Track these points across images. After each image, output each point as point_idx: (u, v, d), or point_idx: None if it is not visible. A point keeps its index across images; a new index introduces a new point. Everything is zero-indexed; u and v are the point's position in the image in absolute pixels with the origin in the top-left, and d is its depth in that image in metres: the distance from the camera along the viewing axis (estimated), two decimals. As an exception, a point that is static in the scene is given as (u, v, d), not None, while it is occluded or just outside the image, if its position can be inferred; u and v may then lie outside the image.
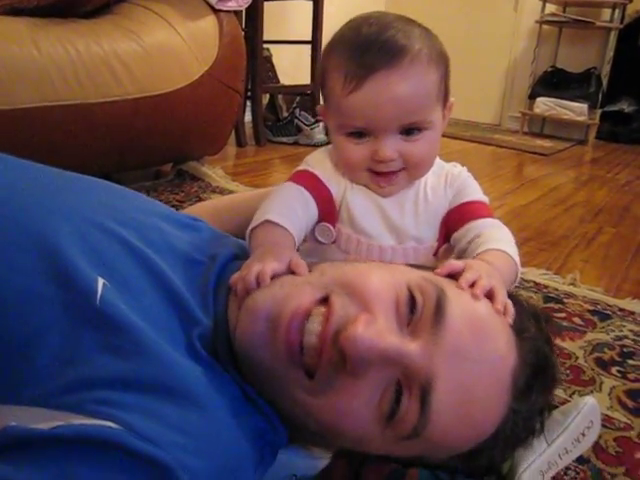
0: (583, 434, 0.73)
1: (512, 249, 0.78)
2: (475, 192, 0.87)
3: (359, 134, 0.79)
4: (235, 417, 0.57)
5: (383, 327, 0.56)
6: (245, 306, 0.62)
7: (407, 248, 0.85)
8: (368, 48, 0.73)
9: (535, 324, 0.65)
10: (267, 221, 0.77)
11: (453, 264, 0.66)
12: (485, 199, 0.88)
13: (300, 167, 0.89)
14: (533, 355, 0.61)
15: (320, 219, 0.86)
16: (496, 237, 0.79)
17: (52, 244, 0.59)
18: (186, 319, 0.62)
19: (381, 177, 0.81)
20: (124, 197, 0.79)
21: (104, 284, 0.57)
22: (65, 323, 0.54)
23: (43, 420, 0.49)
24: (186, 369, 0.56)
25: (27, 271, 0.57)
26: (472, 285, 0.61)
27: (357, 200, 0.85)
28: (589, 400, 0.75)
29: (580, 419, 0.73)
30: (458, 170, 0.88)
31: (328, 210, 0.86)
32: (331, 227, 0.87)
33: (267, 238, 0.76)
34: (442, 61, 0.79)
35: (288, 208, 0.81)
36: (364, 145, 0.79)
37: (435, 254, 0.87)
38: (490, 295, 0.62)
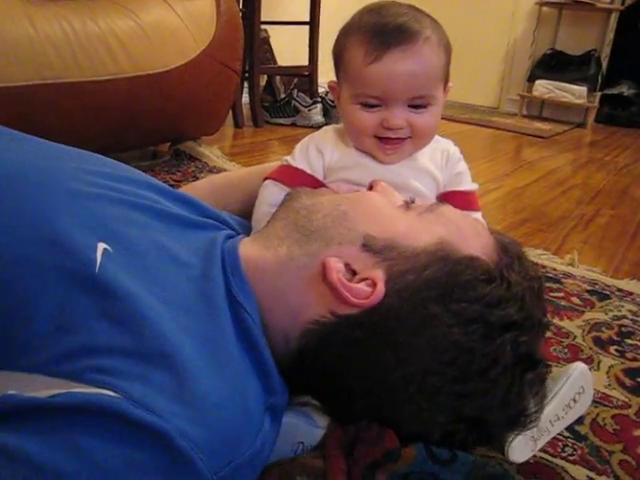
0: (574, 400, 0.74)
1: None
2: (468, 181, 0.97)
3: (372, 104, 0.87)
4: (236, 386, 0.57)
5: None
6: None
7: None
8: (386, 29, 0.84)
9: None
10: None
11: None
12: (475, 187, 0.98)
13: (283, 160, 0.97)
14: None
15: None
16: None
17: (47, 212, 0.59)
18: (194, 279, 0.63)
19: (388, 144, 0.89)
20: (121, 169, 0.80)
21: (105, 250, 0.57)
22: (61, 290, 0.54)
23: (41, 387, 0.49)
24: (184, 338, 0.55)
25: (22, 238, 0.57)
26: None
27: (357, 166, 0.92)
28: (579, 366, 0.75)
29: (570, 385, 0.73)
30: (453, 149, 0.97)
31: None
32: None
33: None
34: (447, 49, 0.89)
35: None
36: (375, 114, 0.87)
37: None
38: None
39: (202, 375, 0.54)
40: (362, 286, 0.64)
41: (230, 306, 0.63)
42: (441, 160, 0.95)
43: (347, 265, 0.66)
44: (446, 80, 0.91)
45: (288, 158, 0.96)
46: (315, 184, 0.91)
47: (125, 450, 0.47)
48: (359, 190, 0.86)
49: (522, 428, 0.67)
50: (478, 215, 0.94)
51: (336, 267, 0.65)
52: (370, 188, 0.80)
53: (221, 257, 0.68)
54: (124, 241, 0.61)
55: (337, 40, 0.91)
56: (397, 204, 0.74)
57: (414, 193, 0.90)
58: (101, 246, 0.57)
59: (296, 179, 0.91)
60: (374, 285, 0.63)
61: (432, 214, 0.71)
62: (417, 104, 0.87)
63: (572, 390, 0.73)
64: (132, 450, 0.47)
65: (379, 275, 0.64)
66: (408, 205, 0.74)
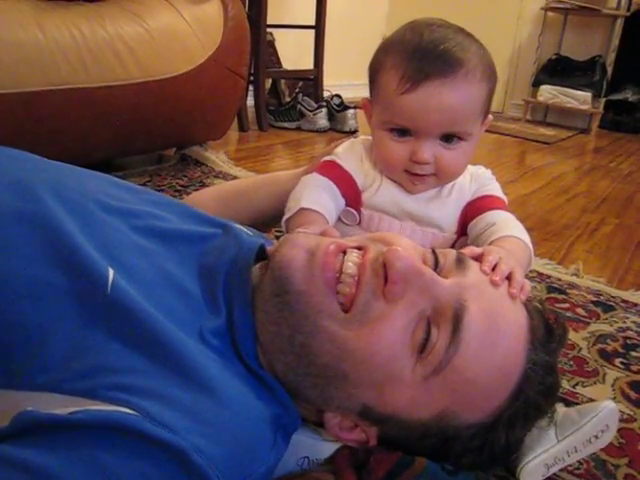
0: (596, 436, 0.73)
1: (525, 236, 0.84)
2: (495, 189, 0.92)
3: (401, 132, 0.83)
4: (249, 402, 0.57)
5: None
6: (285, 239, 0.66)
7: (427, 231, 0.90)
8: (427, 54, 0.77)
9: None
10: (302, 209, 0.84)
11: (472, 248, 0.71)
12: (504, 197, 0.93)
13: (327, 157, 0.94)
14: (543, 324, 0.66)
15: (346, 204, 0.92)
16: (510, 225, 0.85)
17: (60, 233, 0.59)
18: (196, 311, 0.63)
19: (415, 176, 0.86)
20: (128, 190, 0.79)
21: (114, 274, 0.58)
22: (76, 311, 0.55)
23: (58, 406, 0.50)
24: (199, 355, 0.56)
25: (34, 260, 0.57)
26: (492, 269, 0.65)
27: (381, 191, 0.90)
28: (609, 404, 0.74)
29: (596, 422, 0.72)
30: (483, 170, 0.95)
31: (353, 197, 0.91)
32: (355, 212, 0.92)
33: (303, 221, 0.81)
34: (492, 79, 0.83)
35: (318, 195, 0.86)
36: (404, 144, 0.83)
37: (452, 246, 0.91)
38: (508, 278, 0.66)
39: (217, 392, 0.54)
40: (357, 434, 0.66)
41: (229, 334, 0.63)
42: (470, 181, 0.93)
43: (344, 417, 0.66)
44: (486, 113, 0.86)
45: (335, 158, 0.93)
46: (357, 195, 0.91)
47: (143, 467, 0.47)
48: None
49: None
50: (504, 213, 0.89)
51: (333, 422, 0.66)
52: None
53: (224, 287, 0.67)
54: (129, 270, 0.61)
55: (375, 56, 0.85)
56: (409, 327, 0.60)
57: (434, 226, 0.90)
58: (111, 270, 0.58)
59: (344, 182, 0.90)
60: (368, 437, 0.66)
61: (440, 377, 0.59)
62: (450, 137, 0.82)
63: (597, 427, 0.72)
64: (149, 467, 0.48)
65: (373, 433, 0.66)
66: (424, 346, 0.59)
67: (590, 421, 0.72)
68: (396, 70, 0.79)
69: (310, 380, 0.62)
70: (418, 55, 0.77)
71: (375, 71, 0.85)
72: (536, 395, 0.63)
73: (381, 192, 0.90)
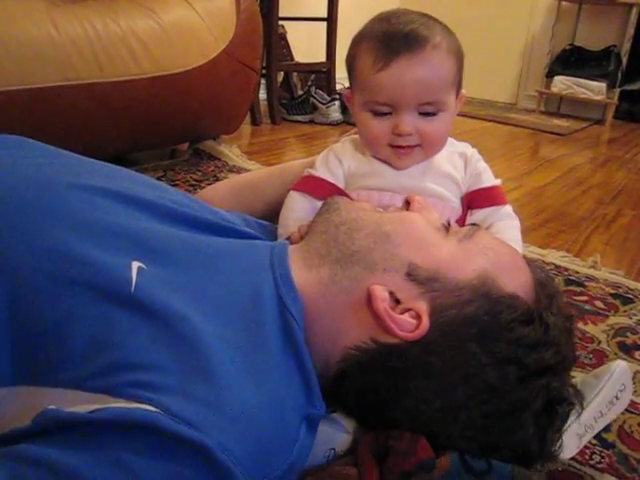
0: (617, 397, 0.76)
1: (517, 243, 0.90)
2: (490, 178, 0.97)
3: (382, 113, 0.89)
4: (274, 397, 0.57)
5: None
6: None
7: (428, 200, 0.90)
8: (395, 35, 0.85)
9: None
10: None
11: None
12: (498, 182, 0.98)
13: (304, 172, 0.99)
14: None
15: None
16: (503, 230, 0.91)
17: (71, 242, 0.59)
18: (239, 288, 0.64)
19: (401, 149, 0.91)
20: (153, 186, 0.80)
21: (140, 268, 0.58)
22: (98, 308, 0.55)
23: (81, 403, 0.49)
24: (223, 351, 0.56)
25: (56, 255, 0.58)
26: None
27: (374, 175, 0.94)
28: (620, 363, 0.77)
29: (613, 381, 0.75)
30: (471, 151, 0.99)
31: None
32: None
33: None
34: (459, 55, 0.90)
35: (300, 213, 0.92)
36: (386, 121, 0.89)
37: (462, 221, 0.95)
38: None
39: (241, 389, 0.54)
40: (407, 318, 0.64)
41: (279, 311, 0.64)
42: (460, 163, 0.96)
43: (391, 293, 0.65)
44: (458, 87, 0.92)
45: (310, 170, 0.98)
46: (338, 193, 0.92)
47: (166, 464, 0.47)
48: (374, 196, 0.91)
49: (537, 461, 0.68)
50: (507, 209, 0.95)
51: (382, 296, 0.65)
52: (407, 203, 0.81)
53: (270, 263, 0.69)
54: (163, 257, 0.61)
55: (349, 49, 0.92)
56: (436, 225, 0.73)
57: (433, 196, 0.91)
58: (135, 264, 0.58)
59: (320, 189, 0.94)
60: (418, 317, 0.63)
61: (471, 242, 0.70)
62: (427, 111, 0.88)
63: (615, 387, 0.75)
64: (173, 464, 0.47)
65: (423, 307, 0.64)
66: (447, 228, 0.73)
67: (608, 382, 0.75)
68: (369, 53, 0.87)
69: (356, 256, 0.69)
70: (387, 37, 0.85)
71: (351, 60, 0.92)
72: (556, 318, 0.67)
73: (374, 176, 0.94)
